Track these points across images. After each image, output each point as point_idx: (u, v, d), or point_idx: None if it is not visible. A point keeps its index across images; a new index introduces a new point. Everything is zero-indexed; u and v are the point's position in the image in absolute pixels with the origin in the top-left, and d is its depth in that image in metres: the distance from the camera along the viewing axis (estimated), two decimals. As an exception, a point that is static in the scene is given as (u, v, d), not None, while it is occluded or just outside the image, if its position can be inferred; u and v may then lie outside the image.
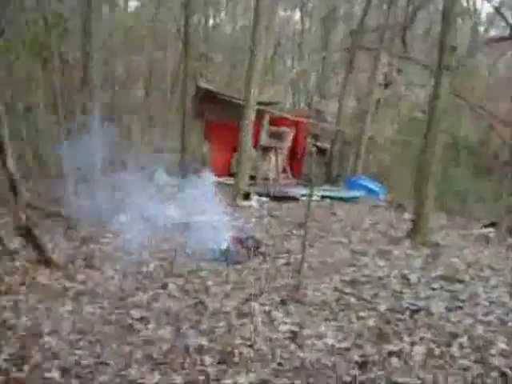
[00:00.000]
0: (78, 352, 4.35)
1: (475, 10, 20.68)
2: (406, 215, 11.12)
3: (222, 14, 26.33)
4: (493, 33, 24.36)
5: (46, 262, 6.26)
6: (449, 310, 5.54)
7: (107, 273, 6.27)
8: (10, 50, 10.56)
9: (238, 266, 6.68)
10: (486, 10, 26.56)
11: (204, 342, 4.54)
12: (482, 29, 24.64)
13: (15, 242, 6.74)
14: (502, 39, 19.08)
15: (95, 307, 5.26)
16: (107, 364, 4.17)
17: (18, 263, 6.20)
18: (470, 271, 7.07)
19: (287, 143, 15.42)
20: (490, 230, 10.26)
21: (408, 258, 7.54)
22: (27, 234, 6.25)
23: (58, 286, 5.81)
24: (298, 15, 26.17)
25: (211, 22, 24.78)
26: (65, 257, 6.74)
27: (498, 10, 18.79)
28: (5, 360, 4.17)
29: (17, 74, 11.49)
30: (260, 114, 13.41)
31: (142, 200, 7.12)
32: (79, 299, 5.47)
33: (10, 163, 6.00)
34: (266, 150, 14.42)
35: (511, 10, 20.28)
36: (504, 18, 17.66)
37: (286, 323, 4.99)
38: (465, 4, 16.15)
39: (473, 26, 19.42)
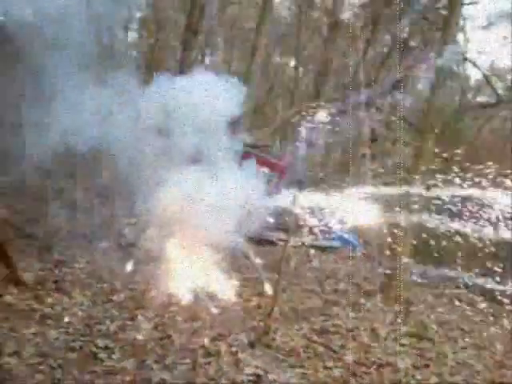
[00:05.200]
0: (38, 376, 4.28)
1: (465, 75, 21.18)
2: (381, 269, 11.14)
3: (219, 53, 26.72)
4: (480, 99, 24.96)
5: (16, 282, 6.17)
6: (415, 367, 5.54)
7: (76, 298, 6.17)
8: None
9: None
10: (474, 76, 27.15)
11: (167, 376, 4.49)
12: (470, 94, 25.25)
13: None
14: (488, 105, 19.54)
15: (60, 332, 5.18)
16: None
17: (-14, 280, 6.11)
18: (439, 330, 7.09)
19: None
20: (463, 291, 10.30)
21: (379, 312, 7.53)
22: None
23: (25, 306, 5.72)
24: (292, 62, 26.60)
25: (207, 60, 25.09)
26: (35, 278, 6.62)
27: (486, 77, 19.27)
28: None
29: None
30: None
31: (121, 227, 7.07)
32: (45, 322, 5.38)
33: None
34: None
35: (499, 78, 20.82)
36: (491, 86, 18.10)
37: (251, 366, 4.95)
38: (455, 68, 16.52)
39: (461, 90, 19.87)
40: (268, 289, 6.32)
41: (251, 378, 4.72)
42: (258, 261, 8.39)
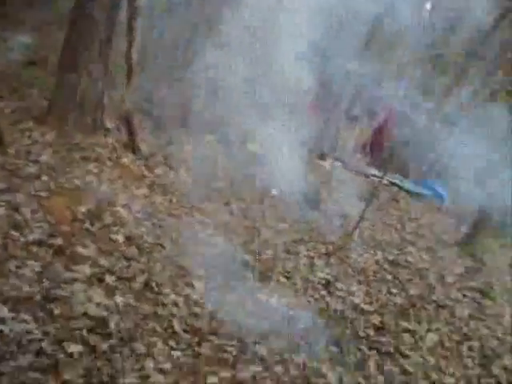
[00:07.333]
0: (142, 229, 4.94)
1: None
2: (464, 228, 11.21)
3: None
4: None
5: (133, 149, 6.82)
6: (471, 317, 5.85)
7: (181, 174, 6.78)
8: None
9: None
10: None
11: (249, 259, 5.09)
12: None
13: (111, 122, 7.27)
14: None
15: (165, 199, 5.84)
16: (163, 247, 4.78)
17: (109, 140, 6.78)
18: (504, 294, 7.28)
19: (376, 122, 15.48)
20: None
21: (451, 262, 7.79)
22: (126, 118, 6.80)
23: (137, 171, 6.39)
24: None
25: None
26: (148, 150, 7.25)
27: None
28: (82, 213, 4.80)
29: None
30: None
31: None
32: (153, 188, 6.05)
33: (135, 53, 6.44)
34: (354, 119, 14.53)
35: None
36: None
37: (324, 272, 5.46)
38: None
39: None
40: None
41: (322, 281, 5.22)
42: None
